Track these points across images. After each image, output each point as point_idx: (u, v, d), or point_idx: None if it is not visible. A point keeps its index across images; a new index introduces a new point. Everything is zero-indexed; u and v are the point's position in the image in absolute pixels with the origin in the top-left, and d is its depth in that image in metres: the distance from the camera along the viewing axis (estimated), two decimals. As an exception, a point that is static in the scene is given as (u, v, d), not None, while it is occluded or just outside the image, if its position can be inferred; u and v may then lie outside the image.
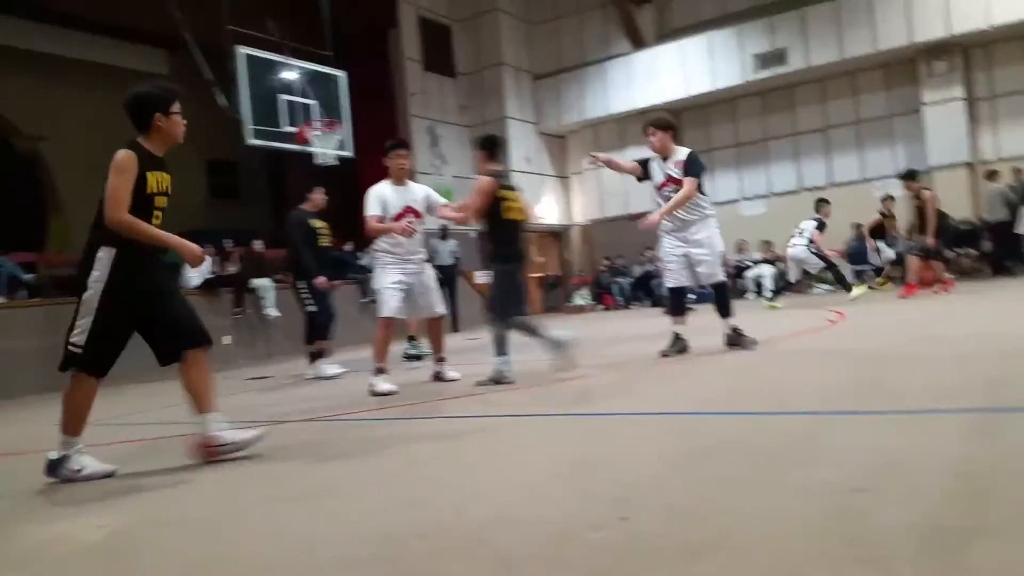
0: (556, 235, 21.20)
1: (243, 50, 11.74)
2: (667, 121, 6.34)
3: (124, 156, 3.56)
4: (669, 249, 6.23)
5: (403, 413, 4.76)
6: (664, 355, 6.03)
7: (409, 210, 5.98)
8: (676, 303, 6.33)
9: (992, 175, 13.79)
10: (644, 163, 6.29)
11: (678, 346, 6.10)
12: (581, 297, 19.37)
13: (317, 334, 7.91)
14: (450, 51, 19.30)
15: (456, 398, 5.15)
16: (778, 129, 18.17)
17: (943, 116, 15.87)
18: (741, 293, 15.76)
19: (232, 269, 12.81)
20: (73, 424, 3.54)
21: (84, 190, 15.50)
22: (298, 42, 13.25)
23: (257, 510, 2.73)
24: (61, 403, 3.55)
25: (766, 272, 16.47)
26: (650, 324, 10.39)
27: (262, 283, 12.26)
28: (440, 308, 6.23)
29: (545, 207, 20.22)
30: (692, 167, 6.04)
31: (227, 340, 11.66)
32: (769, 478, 2.41)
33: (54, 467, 3.50)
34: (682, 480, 2.53)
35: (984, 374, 3.90)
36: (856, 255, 15.18)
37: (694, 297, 8.84)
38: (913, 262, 10.78)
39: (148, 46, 14.99)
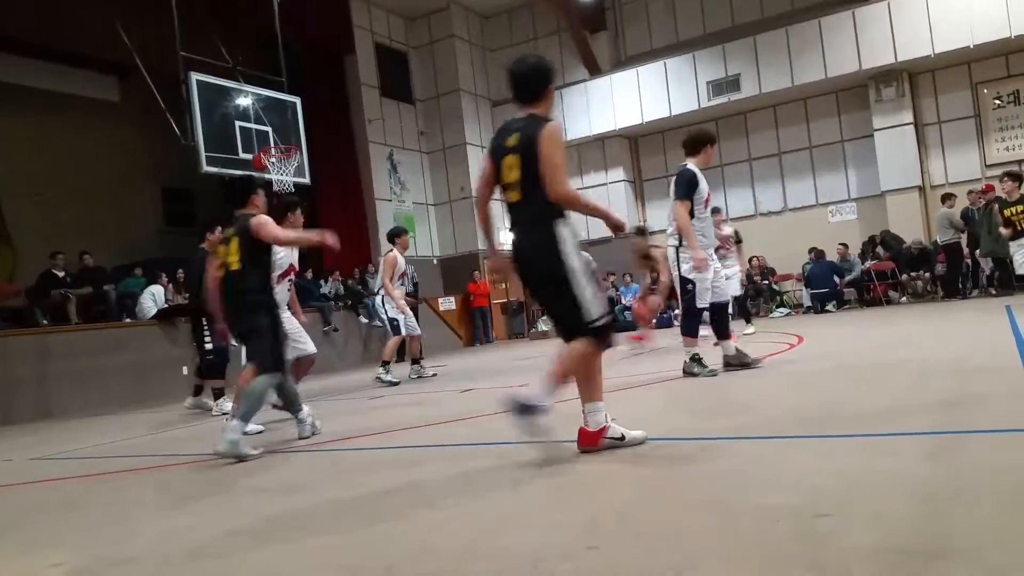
0: (518, 260, 21.22)
1: (196, 76, 11.61)
2: None
3: (558, 127, 3.36)
4: (712, 264, 6.10)
5: (365, 444, 4.69)
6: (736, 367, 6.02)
7: (292, 268, 6.28)
8: (725, 320, 6.22)
9: (946, 199, 14.09)
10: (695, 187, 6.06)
11: (740, 357, 6.05)
12: (544, 323, 19.38)
13: (214, 373, 7.89)
14: (407, 77, 19.36)
15: (420, 427, 5.09)
16: (733, 155, 18.48)
17: (894, 141, 16.30)
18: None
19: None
20: (598, 389, 3.40)
21: (30, 218, 15.23)
22: (252, 68, 13.16)
23: (215, 546, 2.65)
24: (577, 378, 3.39)
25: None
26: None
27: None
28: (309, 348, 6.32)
29: (507, 233, 20.27)
30: None
31: (185, 371, 11.43)
32: (734, 503, 2.41)
33: (597, 437, 3.37)
34: (649, 507, 2.52)
35: (938, 396, 3.96)
36: (815, 280, 15.42)
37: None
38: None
39: (97, 72, 14.74)
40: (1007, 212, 9.59)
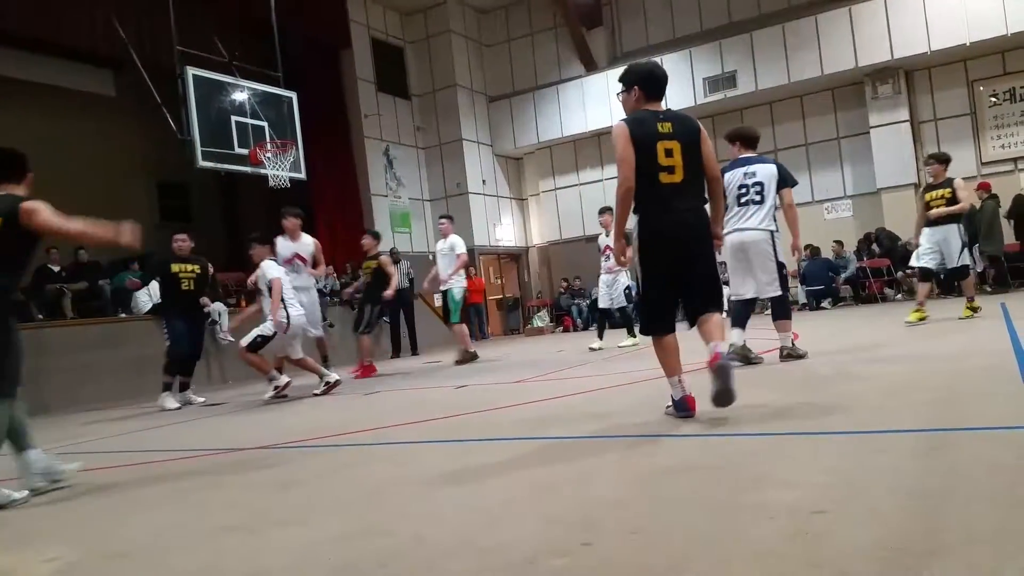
0: (514, 257, 21.23)
1: (192, 71, 11.57)
2: None
3: None
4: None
5: (360, 439, 4.68)
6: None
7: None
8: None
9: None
10: None
11: (744, 353, 6.21)
12: (540, 319, 19.39)
13: (177, 368, 8.37)
14: (404, 72, 19.33)
15: (412, 424, 5.08)
16: (729, 152, 18.41)
17: (889, 138, 16.31)
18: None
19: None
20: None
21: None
22: (248, 62, 13.11)
23: (207, 541, 2.65)
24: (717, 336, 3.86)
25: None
26: (609, 347, 10.44)
27: (216, 307, 12.04)
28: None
29: (503, 229, 20.29)
30: None
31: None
32: (729, 500, 2.40)
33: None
34: (643, 503, 2.51)
35: (932, 393, 3.96)
36: (811, 277, 15.42)
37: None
38: (364, 340, 10.03)
39: (93, 66, 14.66)
40: (928, 196, 8.47)
